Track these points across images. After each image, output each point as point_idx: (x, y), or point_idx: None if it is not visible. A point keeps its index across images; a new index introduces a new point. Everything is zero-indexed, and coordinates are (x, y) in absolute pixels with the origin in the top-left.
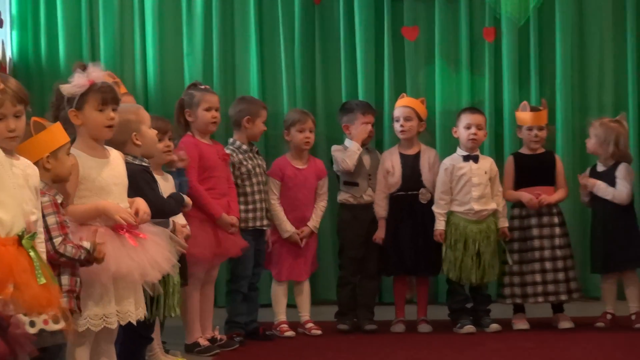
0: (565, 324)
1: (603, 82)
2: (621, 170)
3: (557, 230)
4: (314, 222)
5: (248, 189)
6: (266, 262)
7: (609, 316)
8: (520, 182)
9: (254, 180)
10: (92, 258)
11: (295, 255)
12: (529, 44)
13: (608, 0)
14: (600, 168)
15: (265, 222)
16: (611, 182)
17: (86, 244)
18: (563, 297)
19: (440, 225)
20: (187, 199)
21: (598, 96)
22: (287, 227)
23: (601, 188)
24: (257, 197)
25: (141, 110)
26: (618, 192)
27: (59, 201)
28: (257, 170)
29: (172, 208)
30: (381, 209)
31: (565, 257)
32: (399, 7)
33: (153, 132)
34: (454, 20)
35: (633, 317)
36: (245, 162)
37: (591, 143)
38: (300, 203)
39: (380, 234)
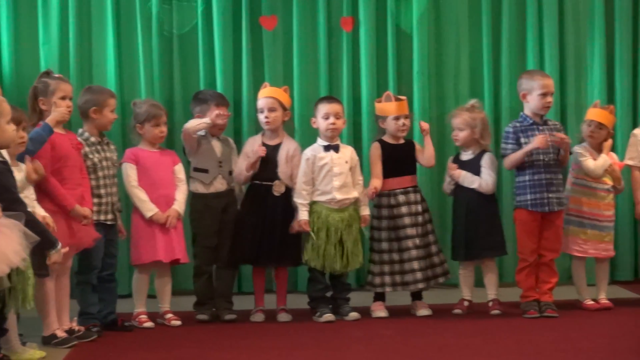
0: (423, 311)
1: (459, 71)
2: (486, 160)
3: (426, 216)
4: (179, 204)
5: (93, 183)
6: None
7: (466, 303)
8: (385, 171)
9: (100, 174)
10: None
11: (164, 236)
12: (387, 33)
13: None
14: (465, 157)
15: (110, 216)
16: (475, 170)
17: None
18: (441, 280)
19: (303, 215)
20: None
21: (454, 85)
22: (150, 207)
23: (467, 178)
24: (102, 191)
25: (4, 103)
26: (484, 181)
27: None
28: (105, 163)
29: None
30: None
31: (435, 241)
32: None
33: (12, 128)
34: (312, 9)
35: (490, 303)
36: (91, 155)
37: (464, 134)
38: (160, 182)
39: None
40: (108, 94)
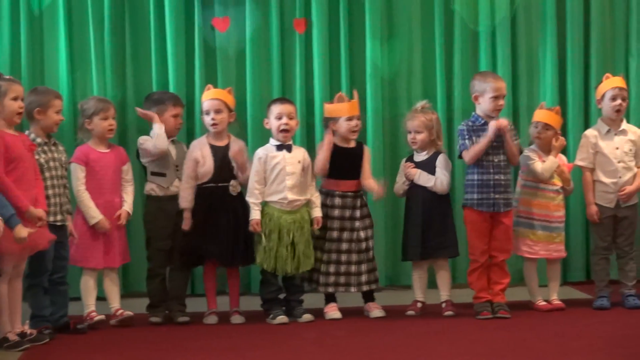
0: (377, 313)
1: (412, 72)
2: (441, 160)
3: (365, 222)
4: (128, 204)
5: None
6: (76, 256)
7: (419, 304)
8: (330, 173)
9: (47, 174)
10: None
11: (107, 241)
12: (339, 35)
13: None
14: (419, 158)
15: (59, 217)
16: (430, 171)
17: None
18: (373, 286)
19: (255, 215)
20: None
21: (407, 86)
22: (94, 214)
23: (423, 176)
24: (50, 192)
25: None
26: (439, 180)
27: None
28: (52, 164)
29: None
30: (184, 200)
31: (370, 248)
32: None
33: None
34: (265, 11)
35: (443, 305)
36: (37, 156)
37: (422, 136)
38: (107, 187)
39: (185, 225)
40: (53, 95)
